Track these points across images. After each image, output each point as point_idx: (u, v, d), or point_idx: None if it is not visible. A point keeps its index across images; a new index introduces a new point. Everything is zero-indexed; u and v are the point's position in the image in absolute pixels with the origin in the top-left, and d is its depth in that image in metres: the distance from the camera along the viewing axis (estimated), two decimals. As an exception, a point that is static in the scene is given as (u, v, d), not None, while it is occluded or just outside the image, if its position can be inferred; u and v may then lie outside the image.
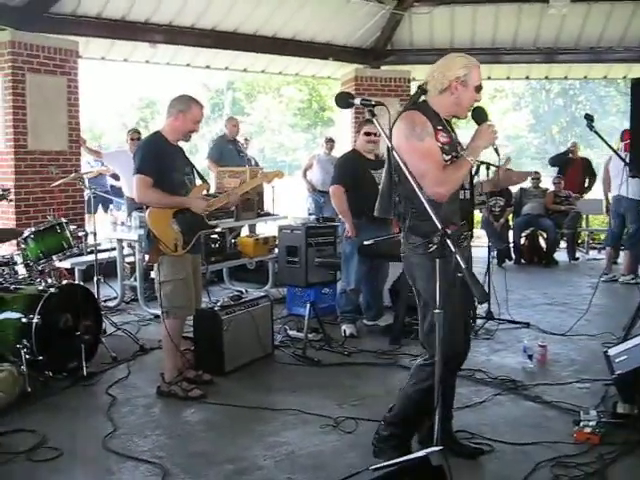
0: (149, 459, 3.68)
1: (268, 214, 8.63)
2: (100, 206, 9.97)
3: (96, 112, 27.71)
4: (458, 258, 2.66)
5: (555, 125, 38.42)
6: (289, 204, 12.44)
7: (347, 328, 6.13)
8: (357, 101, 3.00)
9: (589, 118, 4.08)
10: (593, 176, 11.72)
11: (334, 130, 13.57)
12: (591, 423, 3.93)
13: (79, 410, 4.43)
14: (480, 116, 3.38)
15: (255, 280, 8.52)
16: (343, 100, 3.04)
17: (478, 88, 3.34)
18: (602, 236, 11.75)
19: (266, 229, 9.77)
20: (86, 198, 9.15)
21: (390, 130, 3.32)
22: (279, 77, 26.30)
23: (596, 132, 4.04)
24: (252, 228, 9.27)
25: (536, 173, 11.36)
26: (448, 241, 2.71)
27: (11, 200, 5.63)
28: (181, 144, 4.79)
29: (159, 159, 4.52)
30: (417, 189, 2.89)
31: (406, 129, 3.24)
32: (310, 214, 9.13)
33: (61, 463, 3.65)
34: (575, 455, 3.65)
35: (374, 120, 2.96)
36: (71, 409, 4.44)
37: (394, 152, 3.17)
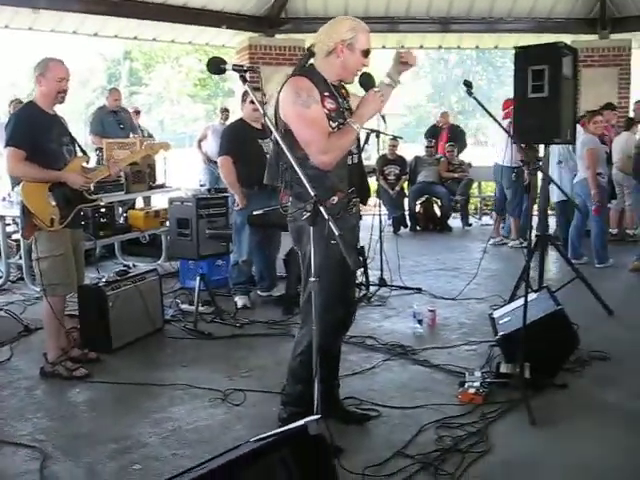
0: (28, 443, 3.54)
1: (161, 186, 8.42)
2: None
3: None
4: (332, 225, 2.63)
5: (453, 95, 39.21)
6: (185, 176, 12.20)
7: (240, 300, 6.08)
8: (229, 67, 2.92)
9: (468, 84, 4.12)
10: (462, 142, 12.06)
11: (234, 101, 13.36)
12: (475, 384, 4.04)
13: (-46, 396, 4.23)
14: (367, 82, 3.36)
15: (149, 254, 8.33)
16: (215, 66, 2.95)
17: (366, 52, 3.29)
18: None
19: (161, 202, 9.55)
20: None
21: (277, 95, 3.26)
22: (178, 47, 25.75)
23: (475, 99, 4.08)
24: (147, 201, 9.05)
25: (429, 141, 11.55)
26: (321, 208, 2.67)
27: None
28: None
29: (32, 130, 4.30)
30: (291, 158, 2.83)
31: (292, 95, 3.19)
32: (201, 185, 8.96)
33: None
34: (459, 416, 3.75)
35: (246, 86, 2.89)
36: (-55, 395, 4.24)
37: (281, 117, 3.14)
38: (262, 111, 2.99)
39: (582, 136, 7.48)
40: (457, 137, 11.95)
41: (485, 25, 12.02)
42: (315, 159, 3.18)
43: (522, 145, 5.65)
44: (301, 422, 2.66)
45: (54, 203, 4.35)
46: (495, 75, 39.06)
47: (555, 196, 8.08)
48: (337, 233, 2.61)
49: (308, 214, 2.74)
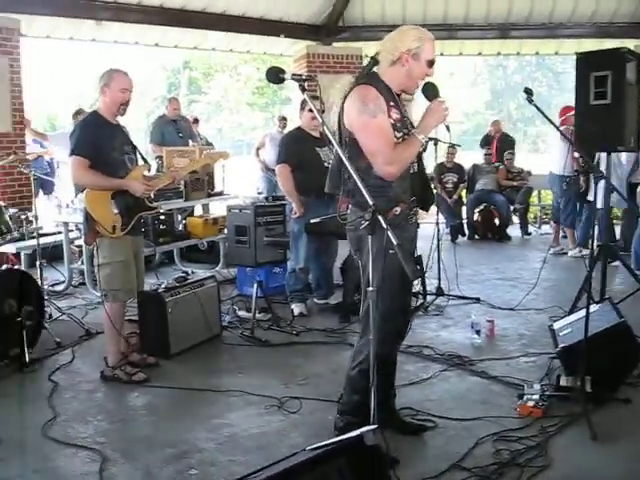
0: (89, 445, 3.61)
1: (219, 194, 8.53)
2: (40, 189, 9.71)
3: (54, 94, 27.22)
4: (390, 235, 2.61)
5: (512, 102, 38.72)
6: (244, 183, 12.33)
7: (296, 307, 6.10)
8: (287, 76, 2.93)
9: (528, 92, 4.06)
10: (512, 149, 11.89)
11: (291, 108, 13.43)
12: (534, 397, 3.96)
13: (20, 397, 4.34)
14: (431, 92, 3.33)
15: (207, 261, 8.44)
16: (274, 75, 2.96)
17: (431, 62, 3.28)
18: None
19: (220, 209, 9.66)
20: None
21: (342, 103, 3.26)
22: (236, 55, 26.02)
23: (536, 106, 4.02)
24: (206, 208, 9.16)
25: (487, 149, 11.43)
26: (380, 217, 2.66)
27: None
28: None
29: (96, 139, 4.41)
30: (350, 167, 2.83)
31: (358, 104, 3.18)
32: (259, 193, 9.03)
33: (-2, 452, 3.56)
34: (517, 429, 3.68)
35: (304, 95, 2.90)
36: (12, 397, 4.35)
37: (345, 126, 3.14)
38: (320, 120, 2.99)
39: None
40: (506, 146, 11.82)
41: (545, 31, 11.81)
42: (380, 170, 3.17)
43: (576, 154, 5.53)
44: (357, 432, 2.65)
45: (116, 210, 4.44)
46: (555, 81, 38.40)
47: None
48: (395, 243, 2.59)
49: (367, 223, 2.73)
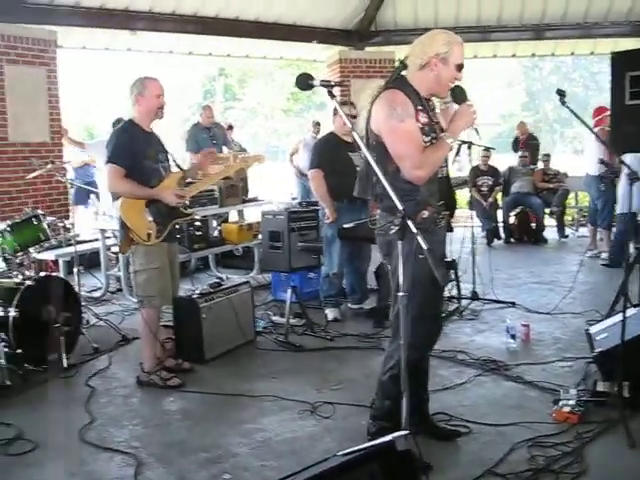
0: (124, 449, 3.66)
1: (254, 200, 8.58)
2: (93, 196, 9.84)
3: (92, 103, 27.63)
4: (420, 240, 2.61)
5: (548, 103, 38.27)
6: (278, 189, 12.38)
7: (330, 312, 6.10)
8: (316, 82, 2.94)
9: (561, 93, 4.01)
10: (537, 150, 11.89)
11: (325, 114, 13.48)
12: (570, 402, 3.91)
13: (57, 402, 4.41)
14: (459, 96, 3.32)
15: (242, 266, 8.48)
16: (303, 82, 2.97)
17: (460, 67, 3.28)
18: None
19: (254, 215, 9.71)
20: (73, 189, 9.11)
21: (370, 108, 3.27)
22: (271, 62, 26.18)
23: (568, 107, 3.97)
24: (240, 214, 9.21)
25: (523, 151, 11.32)
26: (409, 222, 2.66)
27: None
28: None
29: (131, 147, 4.47)
30: (378, 172, 2.83)
31: (386, 109, 3.19)
32: (293, 198, 9.07)
33: (36, 456, 3.62)
34: (553, 435, 3.63)
35: (333, 101, 2.91)
36: (50, 402, 4.43)
37: (372, 130, 3.15)
38: (350, 125, 2.99)
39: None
40: (531, 147, 11.73)
41: (580, 30, 11.64)
42: (409, 174, 3.17)
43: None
44: (389, 437, 2.64)
45: (150, 218, 4.50)
46: (592, 82, 37.87)
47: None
48: (425, 247, 2.58)
49: (397, 228, 2.73)
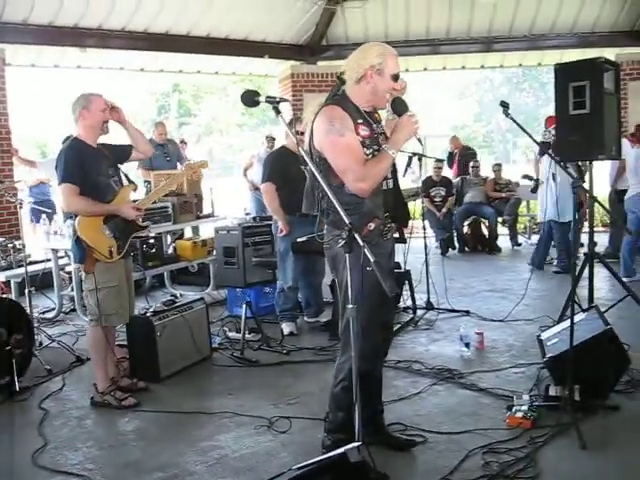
0: (78, 472, 3.61)
1: (208, 216, 8.54)
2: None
3: (43, 121, 27.26)
4: (367, 252, 2.64)
5: (500, 113, 38.84)
6: (234, 204, 12.35)
7: (286, 326, 6.11)
8: (262, 99, 2.96)
9: (504, 105, 4.11)
10: (473, 158, 12.04)
11: (281, 129, 13.53)
12: (523, 408, 3.97)
13: (9, 426, 4.32)
14: (400, 107, 3.35)
15: (198, 283, 8.42)
16: (248, 98, 2.98)
17: (395, 77, 3.32)
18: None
19: (209, 231, 9.68)
20: (28, 208, 9.00)
21: (312, 125, 3.29)
22: (224, 77, 26.17)
23: (512, 119, 4.07)
24: (195, 230, 9.17)
25: (475, 161, 11.49)
26: (356, 235, 2.69)
27: None
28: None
29: (82, 164, 4.40)
30: (324, 185, 2.86)
31: (325, 124, 3.21)
32: (247, 214, 9.05)
33: (-14, 483, 3.56)
34: (507, 440, 3.69)
35: (278, 117, 2.93)
36: (1, 425, 4.34)
37: (314, 147, 3.18)
38: (295, 140, 3.02)
39: (635, 150, 7.37)
40: (468, 157, 11.95)
41: (527, 43, 11.93)
42: (352, 187, 3.20)
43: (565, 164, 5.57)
44: (342, 449, 2.66)
45: (110, 234, 4.46)
46: (542, 92, 38.63)
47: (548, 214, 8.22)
48: (372, 260, 2.62)
49: (344, 241, 2.76)
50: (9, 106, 8.68)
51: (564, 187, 8.26)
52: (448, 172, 12.11)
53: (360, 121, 3.28)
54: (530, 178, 9.13)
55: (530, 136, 4.36)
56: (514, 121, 4.03)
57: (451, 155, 12.49)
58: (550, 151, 8.09)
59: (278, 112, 2.94)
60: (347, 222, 2.71)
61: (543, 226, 8.75)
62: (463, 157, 12.03)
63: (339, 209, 2.77)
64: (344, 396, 3.37)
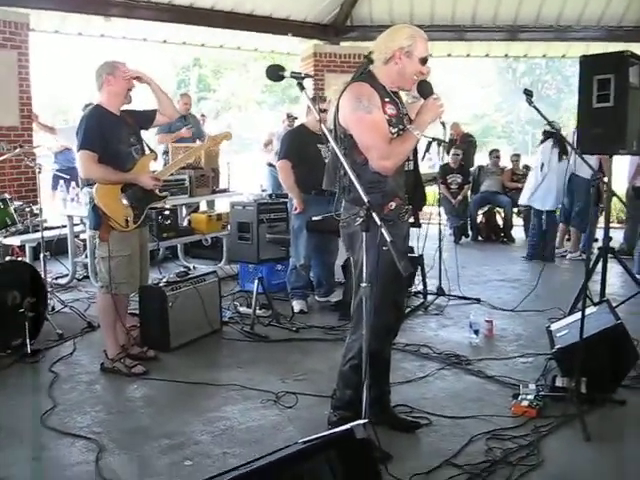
0: (86, 435, 3.66)
1: (224, 191, 8.57)
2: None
3: (65, 88, 27.29)
4: (383, 231, 2.65)
5: (521, 103, 38.55)
6: (250, 181, 12.36)
7: (297, 304, 6.13)
8: (287, 74, 2.97)
9: (528, 93, 4.09)
10: (470, 151, 12.02)
11: (300, 108, 13.48)
12: (529, 397, 3.99)
13: (20, 387, 4.39)
14: (426, 90, 3.36)
15: (210, 256, 8.47)
16: (273, 73, 3.00)
17: (424, 60, 3.33)
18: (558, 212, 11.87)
19: (224, 206, 9.70)
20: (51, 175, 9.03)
21: (337, 101, 3.30)
22: (245, 54, 26.06)
23: (535, 107, 4.04)
24: (210, 204, 9.19)
25: (496, 150, 11.43)
26: (374, 214, 2.70)
27: None
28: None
29: (102, 132, 4.41)
30: (345, 164, 2.87)
31: (353, 101, 3.22)
32: (263, 190, 9.06)
33: (-3, 440, 3.62)
34: (511, 428, 3.70)
35: (302, 93, 2.93)
36: (12, 386, 4.40)
37: (340, 123, 3.19)
38: (318, 117, 3.03)
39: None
40: (467, 146, 11.86)
41: (553, 33, 11.80)
42: (376, 164, 3.21)
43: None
44: (348, 425, 2.68)
45: (127, 203, 4.48)
46: (565, 84, 38.29)
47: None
48: (389, 239, 2.63)
49: (361, 220, 2.77)
50: (31, 72, 8.69)
51: (551, 178, 8.41)
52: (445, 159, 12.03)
53: (387, 99, 3.29)
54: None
55: (552, 126, 4.34)
56: (537, 109, 4.01)
57: (451, 142, 12.37)
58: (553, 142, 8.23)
59: (302, 88, 2.94)
60: (365, 201, 2.72)
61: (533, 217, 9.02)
62: (462, 144, 11.93)
63: (358, 188, 2.78)
64: (353, 374, 3.40)
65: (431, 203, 10.41)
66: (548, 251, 8.67)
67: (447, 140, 7.78)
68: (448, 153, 10.79)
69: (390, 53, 3.28)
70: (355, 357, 3.38)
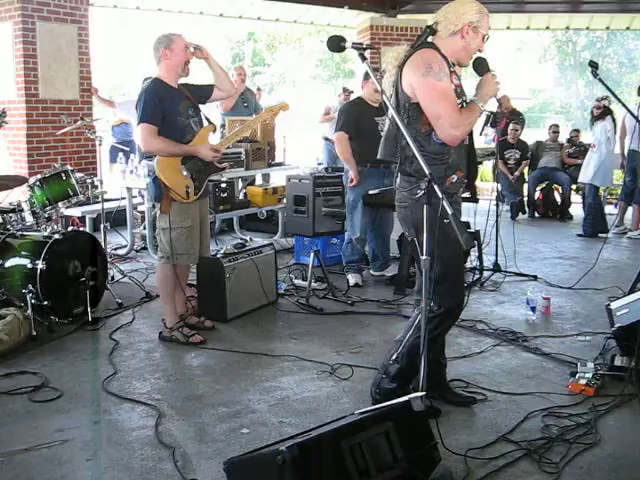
0: (146, 401, 3.75)
1: (280, 164, 8.60)
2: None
3: (123, 63, 27.65)
4: (445, 204, 2.63)
5: (581, 79, 37.69)
6: (304, 154, 12.38)
7: (352, 277, 6.14)
8: (348, 44, 2.95)
9: (593, 65, 3.98)
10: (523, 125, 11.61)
11: (354, 82, 13.39)
12: (587, 375, 3.93)
13: (82, 354, 4.50)
14: (481, 66, 3.33)
15: (266, 230, 8.54)
16: (334, 43, 2.98)
17: (485, 37, 3.30)
18: (618, 191, 11.59)
19: (280, 179, 9.74)
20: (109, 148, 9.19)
21: (400, 69, 3.25)
22: (300, 28, 26.02)
23: (601, 80, 3.94)
24: (266, 178, 9.25)
25: (555, 126, 11.18)
26: (435, 187, 2.68)
27: (6, 122, 5.56)
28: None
29: (162, 104, 4.46)
30: (407, 135, 2.85)
31: (423, 67, 3.16)
32: (319, 164, 9.06)
33: (60, 404, 3.72)
34: (568, 406, 3.66)
35: (364, 64, 2.91)
36: (74, 352, 4.52)
37: (404, 91, 3.15)
38: (380, 88, 3.00)
39: None
40: (517, 120, 11.56)
41: (617, 5, 11.46)
42: (444, 133, 3.16)
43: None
44: (405, 398, 2.70)
45: (188, 175, 4.53)
46: (627, 59, 37.22)
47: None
48: (450, 212, 2.61)
49: (422, 192, 2.75)
50: (91, 46, 8.82)
51: (610, 155, 8.27)
52: (531, 134, 11.76)
53: (452, 69, 3.25)
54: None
55: (618, 99, 4.23)
56: (602, 82, 3.91)
57: (497, 114, 11.99)
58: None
59: (364, 58, 2.92)
60: (427, 172, 2.70)
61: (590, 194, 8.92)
62: (509, 119, 11.65)
63: (420, 159, 2.76)
64: (416, 347, 3.40)
65: (487, 179, 10.29)
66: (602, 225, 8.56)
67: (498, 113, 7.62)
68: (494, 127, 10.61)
69: (460, 26, 3.23)
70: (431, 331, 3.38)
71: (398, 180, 3.41)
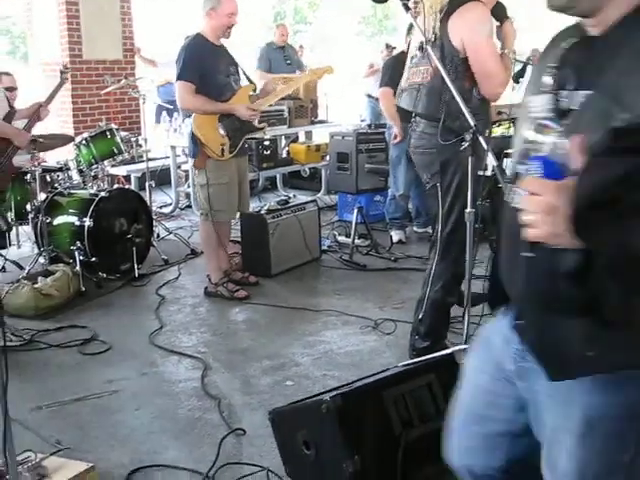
0: (192, 354, 3.82)
1: (323, 121, 8.55)
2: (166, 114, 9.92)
3: (168, 22, 27.63)
4: (490, 155, 2.59)
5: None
6: (346, 111, 12.28)
7: (395, 234, 6.11)
8: (392, -5, 2.89)
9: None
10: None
11: (397, 39, 13.16)
12: None
13: (129, 308, 4.61)
14: (501, 12, 3.28)
15: (309, 187, 8.50)
16: (378, -6, 2.93)
17: None
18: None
19: (322, 137, 9.69)
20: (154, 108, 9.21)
21: (446, 21, 3.17)
22: (342, -17, 25.58)
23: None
24: (309, 135, 9.19)
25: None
26: (481, 139, 2.64)
27: (67, 79, 5.62)
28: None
29: (201, 62, 4.45)
30: (453, 89, 2.80)
31: (481, 25, 3.13)
32: (362, 120, 8.97)
33: (109, 356, 3.83)
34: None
35: (408, 14, 2.85)
36: (122, 307, 4.62)
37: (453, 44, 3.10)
38: (425, 40, 2.94)
39: None
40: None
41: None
42: (493, 91, 3.18)
43: None
44: (449, 350, 2.70)
45: (224, 133, 4.53)
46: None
47: None
48: (495, 163, 2.57)
49: (467, 144, 2.72)
50: (133, 6, 8.81)
51: None
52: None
53: None
54: None
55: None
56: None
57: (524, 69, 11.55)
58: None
59: (408, 9, 2.86)
60: (473, 124, 2.66)
61: None
62: None
63: (466, 112, 2.71)
64: (443, 302, 3.40)
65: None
66: None
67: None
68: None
69: None
70: (446, 285, 3.36)
71: (422, 126, 3.36)
